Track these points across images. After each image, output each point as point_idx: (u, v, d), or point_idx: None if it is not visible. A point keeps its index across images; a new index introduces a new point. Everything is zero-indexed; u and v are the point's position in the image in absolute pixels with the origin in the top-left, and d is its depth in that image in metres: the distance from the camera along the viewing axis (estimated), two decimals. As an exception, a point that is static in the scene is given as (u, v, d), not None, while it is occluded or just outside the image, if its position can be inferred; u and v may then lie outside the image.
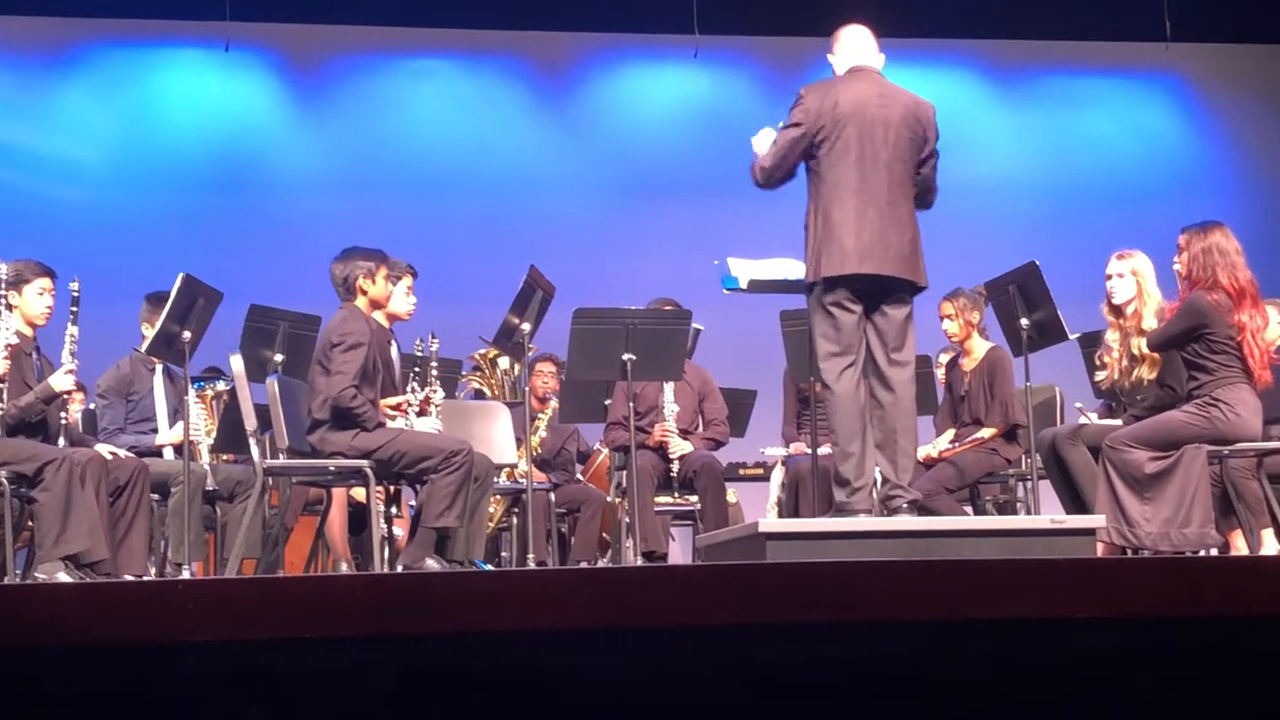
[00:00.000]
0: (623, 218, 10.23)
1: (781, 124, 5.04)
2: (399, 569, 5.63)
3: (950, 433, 6.87)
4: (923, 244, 5.01)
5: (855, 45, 5.12)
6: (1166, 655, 2.74)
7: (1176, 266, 5.66)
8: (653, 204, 10.26)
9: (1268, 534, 5.70)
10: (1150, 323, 5.80)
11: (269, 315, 6.30)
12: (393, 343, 6.04)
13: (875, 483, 5.04)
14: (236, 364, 5.91)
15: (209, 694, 2.84)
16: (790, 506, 6.98)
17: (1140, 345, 5.81)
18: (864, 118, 4.92)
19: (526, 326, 6.16)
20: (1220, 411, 5.40)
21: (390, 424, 5.72)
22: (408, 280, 6.08)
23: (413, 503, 6.05)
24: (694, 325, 6.84)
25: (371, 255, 5.84)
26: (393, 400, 5.83)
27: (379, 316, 5.90)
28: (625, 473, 6.65)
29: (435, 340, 6.16)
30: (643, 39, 10.61)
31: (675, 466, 6.92)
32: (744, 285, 5.58)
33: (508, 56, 10.57)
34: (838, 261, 4.87)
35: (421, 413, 5.92)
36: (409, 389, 6.00)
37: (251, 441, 5.88)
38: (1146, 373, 5.82)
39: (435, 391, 6.04)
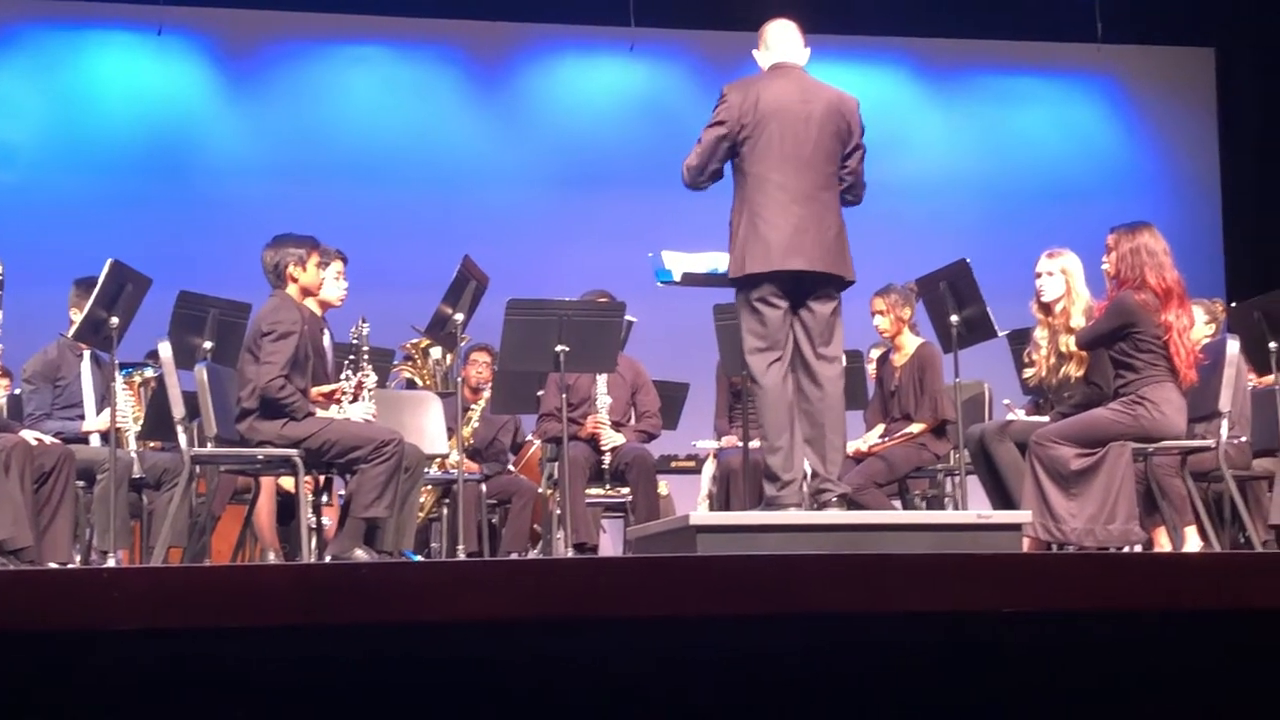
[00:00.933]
0: (557, 209, 10.22)
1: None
2: (327, 559, 5.60)
3: (880, 428, 6.92)
4: (852, 240, 5.03)
5: (780, 41, 5.12)
6: (1090, 650, 2.77)
7: (1105, 266, 5.72)
8: (587, 196, 10.25)
9: (1190, 531, 5.78)
10: (1078, 321, 5.86)
11: (198, 302, 6.24)
12: (325, 331, 5.99)
13: (805, 476, 5.07)
14: (165, 351, 5.85)
15: (133, 683, 2.82)
16: (721, 499, 7.01)
17: (1068, 343, 5.87)
18: (786, 114, 4.93)
19: (459, 317, 6.14)
20: (1146, 410, 5.47)
21: (322, 412, 5.68)
22: (338, 265, 6.02)
23: (342, 492, 6.02)
24: (627, 317, 6.85)
25: (303, 242, 5.79)
26: (326, 388, 5.79)
27: (311, 304, 5.85)
28: (557, 464, 6.65)
29: (365, 324, 6.11)
30: (579, 30, 10.60)
31: (607, 458, 6.93)
32: (678, 278, 5.58)
33: (444, 45, 10.52)
34: (762, 258, 4.88)
35: (354, 398, 5.88)
36: (342, 376, 5.96)
37: (179, 429, 5.82)
38: (1074, 370, 5.88)
39: (368, 376, 6.00)
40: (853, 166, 5.04)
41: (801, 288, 4.94)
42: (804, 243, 4.87)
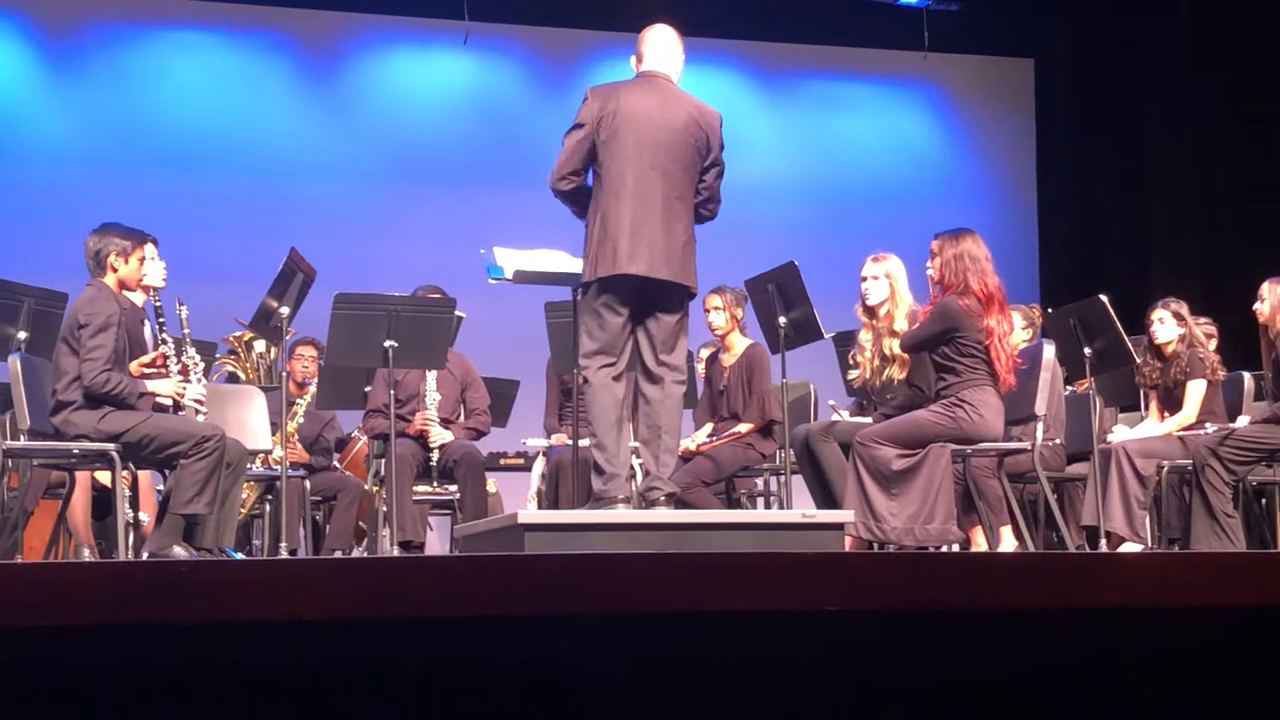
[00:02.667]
0: (388, 203, 10.11)
1: None
2: (145, 556, 5.48)
3: (709, 426, 6.99)
4: (696, 251, 5.07)
5: (654, 49, 5.15)
6: (908, 648, 2.83)
7: (929, 271, 5.84)
8: (419, 190, 10.16)
9: (1006, 531, 5.93)
10: (902, 324, 5.98)
11: (13, 290, 6.06)
12: (145, 322, 5.85)
13: (635, 474, 5.09)
14: (-24, 341, 5.66)
15: (-63, 686, 2.72)
16: (551, 497, 7.00)
17: (892, 346, 5.99)
18: (643, 122, 4.96)
19: (285, 310, 6.04)
20: (965, 412, 5.59)
21: (151, 384, 5.54)
22: (151, 248, 5.86)
23: (160, 488, 5.88)
24: (458, 314, 6.80)
25: (131, 234, 5.65)
26: (145, 358, 5.65)
27: (133, 295, 5.71)
28: (384, 461, 6.58)
29: (183, 307, 5.94)
30: (412, 22, 10.49)
31: (435, 455, 6.87)
32: (509, 275, 5.57)
33: (273, 33, 10.33)
34: (609, 263, 4.91)
35: (184, 379, 5.72)
36: (166, 363, 5.80)
37: (-9, 421, 5.64)
38: (897, 373, 6.00)
39: (195, 361, 5.84)
40: (709, 181, 5.09)
41: (647, 295, 4.97)
42: (651, 250, 4.90)
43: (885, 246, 6.24)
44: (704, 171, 5.07)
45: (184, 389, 5.67)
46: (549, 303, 6.65)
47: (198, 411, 5.73)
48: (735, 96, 10.89)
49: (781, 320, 6.17)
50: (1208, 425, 6.37)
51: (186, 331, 5.89)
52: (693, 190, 5.05)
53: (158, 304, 5.81)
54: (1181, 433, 6.37)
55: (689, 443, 6.81)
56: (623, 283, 4.92)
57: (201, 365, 5.91)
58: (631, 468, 5.08)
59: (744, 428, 6.82)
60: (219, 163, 9.87)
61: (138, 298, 5.78)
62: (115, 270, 5.59)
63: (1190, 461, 6.11)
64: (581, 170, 5.05)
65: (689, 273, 5.01)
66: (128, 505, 5.68)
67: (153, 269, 5.83)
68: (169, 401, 5.66)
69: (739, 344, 6.96)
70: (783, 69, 11.12)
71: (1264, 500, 7.04)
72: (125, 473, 5.57)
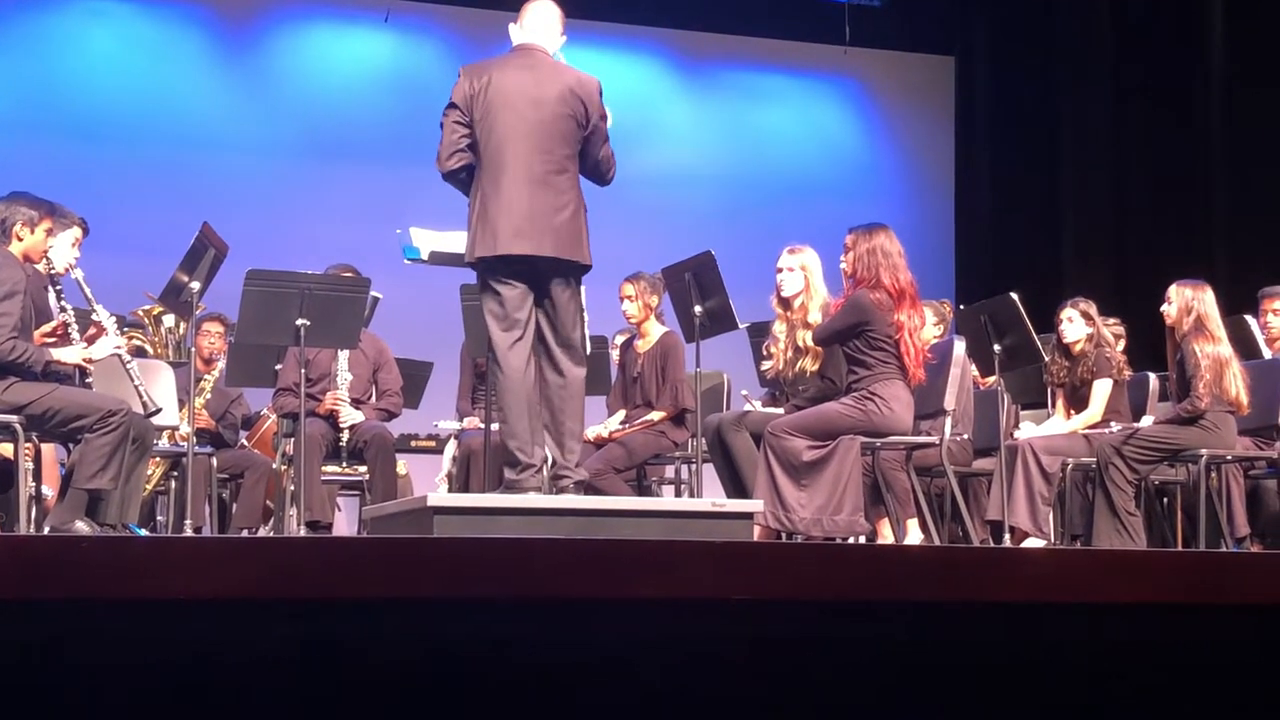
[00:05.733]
0: (303, 180, 10.01)
1: None
2: (46, 531, 5.40)
3: (621, 413, 6.99)
4: (597, 227, 5.01)
5: (531, 24, 5.07)
6: (814, 639, 2.85)
7: (842, 265, 5.87)
8: (336, 168, 10.07)
9: (912, 524, 5.99)
10: (815, 317, 6.02)
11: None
12: (49, 289, 5.75)
13: (546, 461, 5.08)
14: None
15: None
16: (461, 481, 6.98)
17: (805, 338, 6.02)
18: (516, 96, 4.88)
19: (196, 285, 5.96)
20: (875, 405, 5.63)
21: (56, 353, 5.45)
22: (76, 233, 5.77)
23: (64, 461, 5.79)
24: (372, 294, 6.75)
25: (39, 205, 5.55)
26: (46, 326, 5.55)
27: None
28: (293, 440, 6.52)
29: (78, 269, 5.76)
30: (333, -1, 10.41)
31: (345, 436, 6.82)
32: (425, 256, 5.53)
33: (189, 4, 10.19)
34: (490, 242, 4.85)
35: (91, 341, 5.62)
36: (68, 331, 5.70)
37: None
38: (809, 365, 6.04)
39: (107, 314, 5.72)
40: (592, 150, 4.99)
41: (537, 273, 4.91)
42: (532, 227, 4.83)
43: (802, 239, 6.27)
44: (586, 140, 4.98)
45: (90, 355, 5.57)
46: (464, 285, 6.61)
47: (124, 362, 5.64)
48: (656, 84, 10.90)
49: (697, 309, 6.18)
50: (1112, 424, 6.47)
51: (88, 292, 5.75)
52: (574, 162, 4.96)
53: (49, 273, 5.69)
54: (1086, 431, 6.47)
55: (601, 429, 6.82)
56: (509, 261, 4.85)
57: (113, 318, 5.79)
58: (545, 457, 5.06)
59: (656, 415, 6.83)
60: (132, 134, 9.72)
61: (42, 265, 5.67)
62: (20, 240, 5.49)
63: (1094, 459, 6.20)
64: (463, 150, 4.92)
65: (577, 248, 4.91)
66: (30, 478, 5.59)
67: (66, 252, 5.71)
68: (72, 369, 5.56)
69: (654, 331, 6.97)
70: (704, 58, 11.14)
71: (1165, 500, 7.16)
72: (28, 445, 5.48)
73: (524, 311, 4.89)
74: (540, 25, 5.07)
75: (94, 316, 5.70)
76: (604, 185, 5.10)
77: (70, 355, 5.54)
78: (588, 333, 5.47)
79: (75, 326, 5.62)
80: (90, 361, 5.59)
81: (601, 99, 5.00)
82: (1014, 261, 10.60)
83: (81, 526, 5.22)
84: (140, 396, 5.62)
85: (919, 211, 11.14)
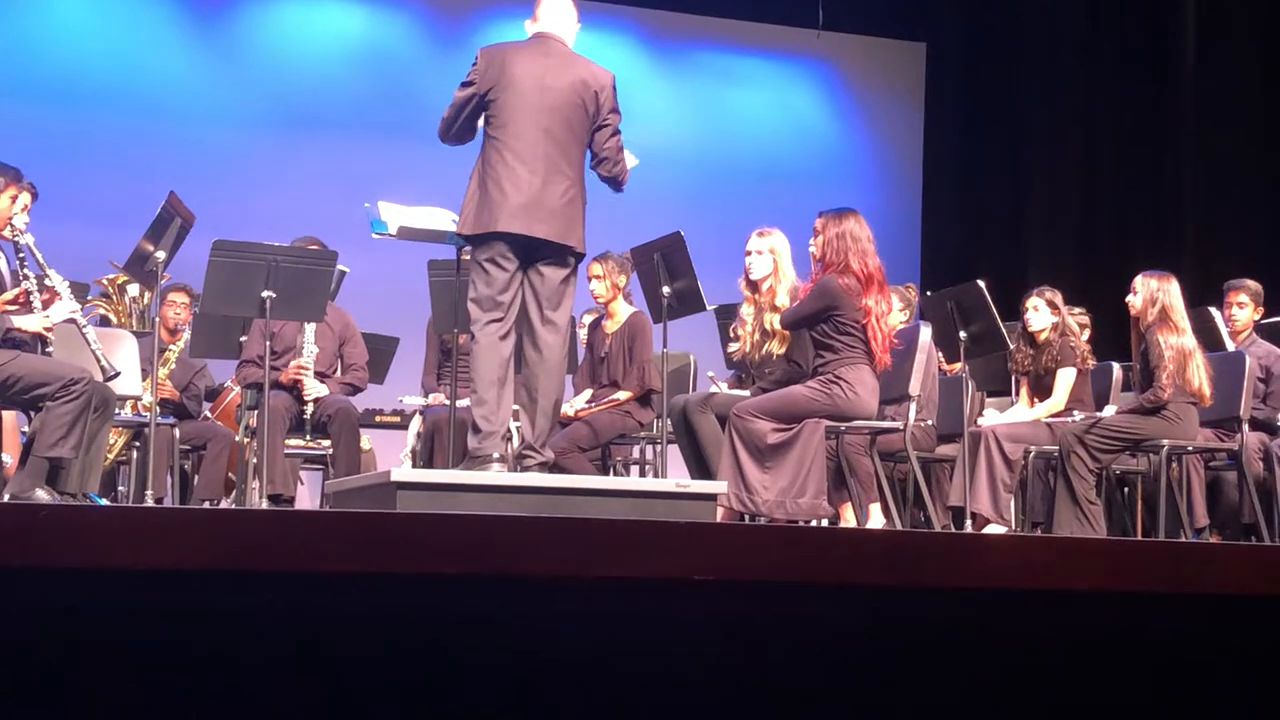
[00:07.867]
0: (272, 151, 9.95)
1: None
2: (5, 498, 5.37)
3: (588, 393, 6.99)
4: (584, 215, 5.07)
5: (550, 12, 5.18)
6: (776, 620, 2.86)
7: (811, 249, 5.88)
8: (305, 140, 10.02)
9: (875, 508, 6.01)
10: (783, 300, 6.03)
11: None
12: (9, 256, 5.69)
13: (511, 436, 5.08)
14: None
15: None
16: (425, 456, 6.97)
17: (773, 321, 6.03)
18: (529, 82, 4.98)
19: (161, 255, 5.93)
20: (841, 389, 5.65)
21: (18, 320, 5.40)
22: (25, 199, 5.71)
23: (26, 429, 5.75)
24: (339, 267, 6.72)
25: (4, 171, 5.51)
26: (8, 294, 5.51)
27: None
28: (256, 412, 6.49)
29: (28, 235, 5.66)
30: (305, -31, 10.35)
31: (309, 409, 6.79)
32: (393, 231, 5.51)
33: (160, -29, 10.11)
34: (487, 219, 4.93)
35: (45, 305, 5.57)
36: (29, 299, 5.64)
37: None
38: (776, 348, 6.05)
39: (60, 280, 5.67)
40: (600, 142, 5.09)
41: (532, 252, 4.98)
42: (531, 210, 4.91)
43: (771, 221, 6.28)
44: (595, 132, 5.06)
45: (50, 323, 5.53)
46: (432, 260, 6.60)
47: (80, 326, 5.60)
48: (628, 64, 10.86)
49: (665, 290, 6.18)
50: (1075, 413, 6.50)
51: (40, 258, 5.69)
52: (581, 152, 5.07)
53: (13, 240, 5.64)
54: (1050, 419, 6.50)
55: (567, 408, 6.81)
56: (503, 239, 4.93)
57: (66, 283, 5.74)
58: (509, 430, 5.06)
59: (622, 395, 6.83)
60: (100, 100, 9.65)
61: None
62: (-15, 205, 5.45)
63: (1057, 448, 6.24)
64: (472, 128, 5.08)
65: (572, 233, 5.00)
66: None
67: (16, 218, 5.65)
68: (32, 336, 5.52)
69: (622, 311, 6.97)
70: (677, 39, 11.13)
71: (1126, 489, 7.21)
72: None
73: (508, 294, 4.97)
74: (557, 15, 5.18)
75: (47, 282, 5.65)
76: (614, 180, 5.17)
77: (31, 323, 5.50)
78: (574, 317, 5.49)
79: (37, 295, 5.58)
80: (49, 330, 5.55)
81: (615, 95, 5.09)
82: (981, 249, 10.65)
83: (41, 495, 5.19)
84: (98, 360, 5.58)
85: (888, 196, 11.17)
